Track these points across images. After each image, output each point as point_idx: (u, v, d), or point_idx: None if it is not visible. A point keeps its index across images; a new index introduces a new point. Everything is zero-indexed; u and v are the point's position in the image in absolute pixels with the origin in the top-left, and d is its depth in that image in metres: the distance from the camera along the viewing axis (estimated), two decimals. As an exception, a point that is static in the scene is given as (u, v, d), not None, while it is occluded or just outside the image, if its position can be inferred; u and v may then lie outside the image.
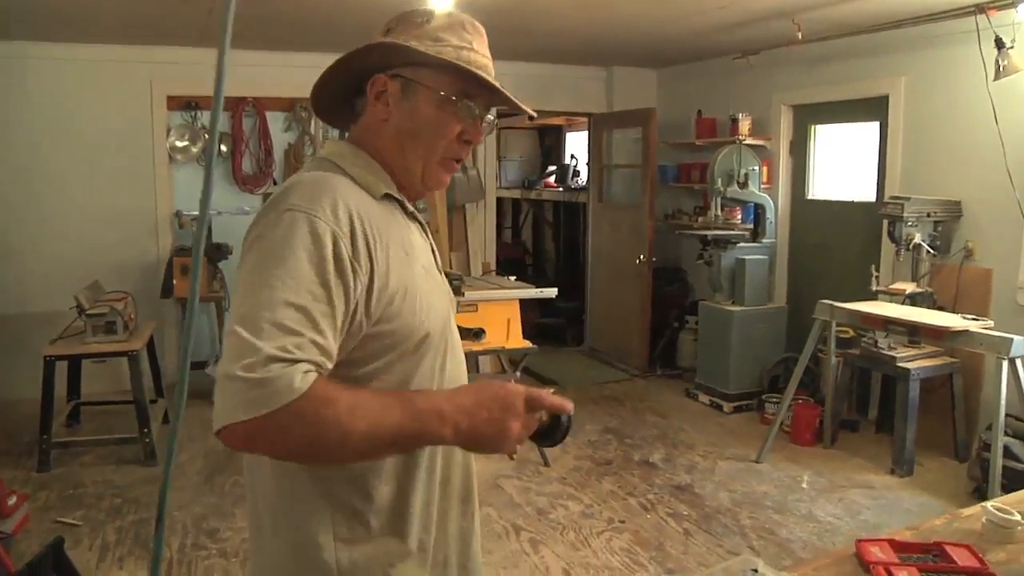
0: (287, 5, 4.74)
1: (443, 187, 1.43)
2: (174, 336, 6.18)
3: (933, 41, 5.02)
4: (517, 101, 1.38)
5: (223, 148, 6.58)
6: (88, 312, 4.83)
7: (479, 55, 1.36)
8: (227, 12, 1.79)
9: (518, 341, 4.98)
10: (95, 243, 6.21)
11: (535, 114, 1.51)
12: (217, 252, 6.11)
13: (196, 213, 6.23)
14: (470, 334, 4.87)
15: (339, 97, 1.43)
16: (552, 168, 9.25)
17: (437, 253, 1.47)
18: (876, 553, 1.63)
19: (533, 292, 5.10)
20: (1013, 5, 4.09)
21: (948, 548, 1.64)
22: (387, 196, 1.34)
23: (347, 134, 1.45)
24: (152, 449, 4.85)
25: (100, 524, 4.06)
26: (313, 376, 1.10)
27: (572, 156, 9.25)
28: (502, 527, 4.08)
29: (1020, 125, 4.58)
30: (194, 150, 6.49)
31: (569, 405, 1.28)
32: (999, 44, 4.23)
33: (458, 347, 1.44)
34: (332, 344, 1.16)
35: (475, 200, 7.06)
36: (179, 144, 6.42)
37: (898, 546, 1.66)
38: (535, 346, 5.10)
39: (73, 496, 4.39)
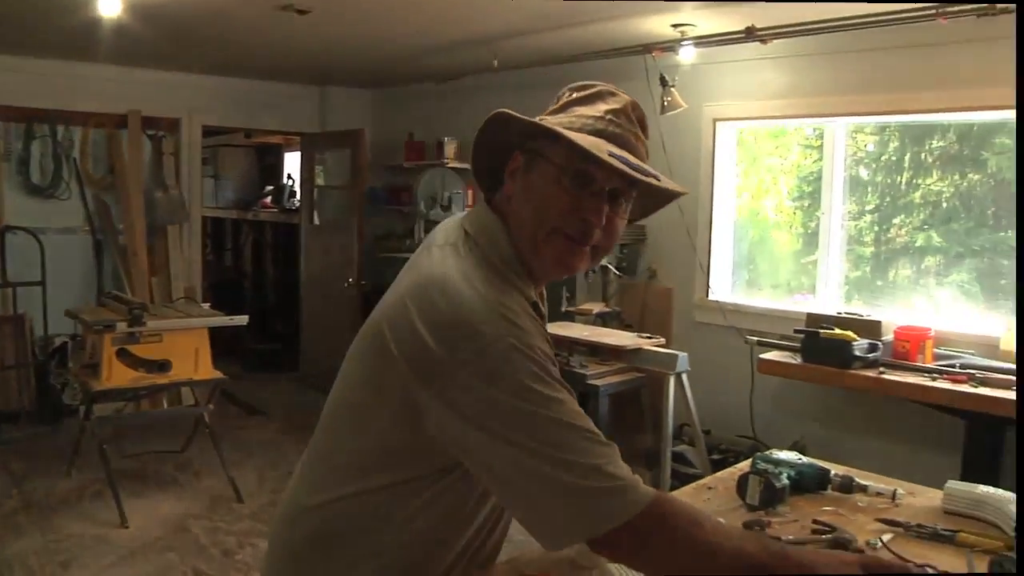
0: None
1: (560, 273, 1.35)
2: None
3: (618, 75, 5.33)
4: (645, 178, 1.26)
5: None
6: None
7: (614, 125, 1.29)
8: None
9: (208, 372, 4.66)
10: None
11: (682, 191, 1.38)
12: None
13: None
14: (154, 366, 4.52)
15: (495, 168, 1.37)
16: (269, 188, 8.93)
17: None
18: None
19: (221, 320, 4.75)
20: (674, 49, 4.44)
21: None
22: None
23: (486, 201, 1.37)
24: None
25: None
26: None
27: (289, 176, 8.98)
28: (182, 573, 3.81)
29: (683, 157, 4.98)
30: None
31: None
32: (663, 82, 4.58)
33: None
34: None
35: (177, 221, 6.62)
36: None
37: None
38: (226, 376, 4.77)
39: None
